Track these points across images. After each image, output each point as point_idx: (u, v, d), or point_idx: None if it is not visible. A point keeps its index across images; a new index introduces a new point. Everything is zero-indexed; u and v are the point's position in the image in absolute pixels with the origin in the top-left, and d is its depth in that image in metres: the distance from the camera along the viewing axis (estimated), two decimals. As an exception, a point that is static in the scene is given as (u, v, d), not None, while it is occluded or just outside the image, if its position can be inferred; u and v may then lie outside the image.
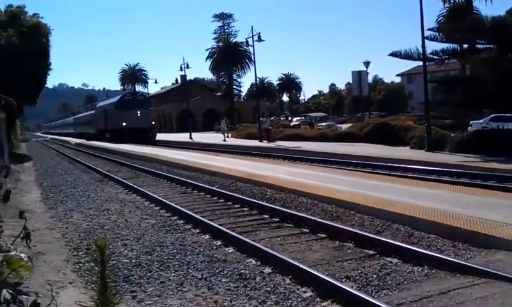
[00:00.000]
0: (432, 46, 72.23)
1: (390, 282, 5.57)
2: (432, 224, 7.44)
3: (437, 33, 22.54)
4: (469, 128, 27.26)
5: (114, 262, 6.40)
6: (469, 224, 7.14)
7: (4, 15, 36.52)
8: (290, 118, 69.01)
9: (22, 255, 2.83)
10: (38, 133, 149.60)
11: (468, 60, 26.43)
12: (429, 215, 7.80)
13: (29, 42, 35.00)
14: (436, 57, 24.06)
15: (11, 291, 2.69)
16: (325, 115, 63.97)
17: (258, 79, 48.12)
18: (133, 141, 38.87)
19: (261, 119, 37.80)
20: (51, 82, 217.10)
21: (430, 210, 8.10)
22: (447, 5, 45.90)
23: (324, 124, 45.60)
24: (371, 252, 6.80)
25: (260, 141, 34.17)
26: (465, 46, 24.75)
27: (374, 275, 5.79)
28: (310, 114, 61.80)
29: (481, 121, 28.79)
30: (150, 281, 5.91)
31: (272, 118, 44.29)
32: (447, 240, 6.96)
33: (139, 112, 43.89)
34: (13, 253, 2.82)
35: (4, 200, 3.87)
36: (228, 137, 41.32)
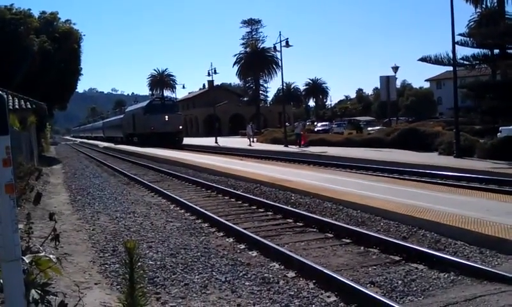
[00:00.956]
0: (462, 51, 71.21)
1: (415, 288, 5.48)
2: (459, 231, 7.31)
3: (468, 38, 22.23)
4: (498, 134, 26.69)
5: (139, 264, 6.46)
6: (497, 230, 6.99)
7: (38, 21, 37.36)
8: (315, 123, 68.48)
9: (51, 256, 2.89)
10: (68, 137, 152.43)
11: (499, 65, 25.93)
12: (456, 222, 7.67)
13: (61, 48, 35.79)
14: (467, 63, 23.68)
15: (39, 292, 2.75)
16: (372, 119, 61.54)
17: (284, 84, 48.01)
18: (160, 145, 39.34)
19: (294, 123, 37.68)
20: (81, 86, 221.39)
21: (457, 217, 7.97)
22: (478, 10, 45.19)
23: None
24: (396, 258, 6.72)
25: (286, 145, 34.11)
26: (496, 51, 24.28)
27: (399, 281, 5.71)
28: (356, 118, 58.87)
29: (511, 127, 28.15)
30: (174, 283, 5.95)
31: (303, 122, 42.77)
32: (474, 246, 6.83)
33: (167, 116, 44.37)
34: (42, 254, 2.88)
35: (35, 202, 3.97)
36: (253, 141, 41.37)
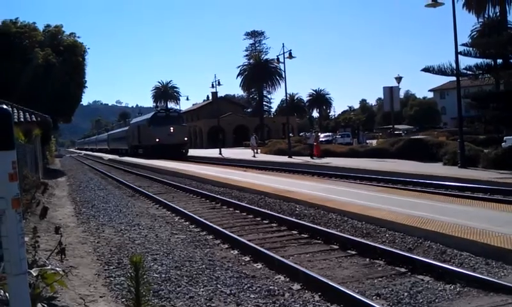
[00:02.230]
0: (465, 61, 71.24)
1: (421, 300, 5.45)
2: (465, 242, 7.27)
3: (471, 48, 22.20)
4: (503, 144, 26.63)
5: (145, 277, 6.46)
6: (503, 241, 6.96)
7: (43, 34, 37.65)
8: (318, 134, 68.37)
9: (57, 269, 2.90)
10: (72, 149, 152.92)
11: (502, 75, 25.92)
12: (461, 233, 7.63)
13: (66, 61, 36.03)
14: (470, 73, 23.65)
15: (45, 305, 2.75)
16: (411, 127, 59.98)
17: (288, 95, 48.15)
18: (166, 157, 39.25)
19: (306, 134, 37.22)
20: (86, 99, 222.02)
21: (463, 228, 7.93)
22: (481, 20, 45.27)
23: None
24: (402, 269, 6.69)
25: (290, 156, 34.09)
26: (499, 61, 24.28)
27: (405, 293, 5.68)
28: (398, 126, 56.37)
29: (515, 137, 28.09)
30: (179, 295, 5.93)
31: (316, 133, 40.90)
32: (480, 257, 6.79)
33: (172, 128, 44.25)
34: (48, 268, 2.89)
35: (41, 217, 3.98)
36: (257, 152, 41.38)
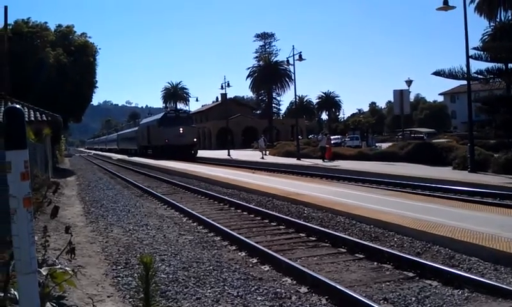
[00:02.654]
0: (476, 65, 70.80)
1: (429, 305, 5.43)
2: (474, 247, 7.23)
3: (482, 52, 22.12)
4: (513, 149, 26.41)
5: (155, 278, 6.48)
6: (512, 247, 6.91)
7: (54, 34, 37.94)
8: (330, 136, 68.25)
9: (67, 268, 2.92)
10: (82, 149, 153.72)
11: (513, 80, 25.76)
12: (470, 238, 7.59)
13: (77, 61, 36.31)
14: (481, 77, 23.56)
15: (54, 305, 2.78)
16: (432, 130, 59.25)
17: (297, 97, 48.07)
18: (175, 158, 39.27)
19: (318, 137, 36.69)
20: (96, 99, 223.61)
21: (472, 232, 7.89)
22: (492, 24, 45.02)
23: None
24: (410, 274, 6.66)
25: (298, 159, 34.05)
26: (511, 65, 24.13)
27: (413, 298, 5.66)
28: (420, 129, 55.80)
29: (526, 141, 27.85)
30: (187, 296, 5.95)
31: (328, 135, 39.61)
32: (489, 263, 6.75)
33: (181, 129, 44.18)
34: (57, 267, 2.91)
35: (52, 216, 4.00)
36: (266, 154, 41.37)
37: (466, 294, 5.66)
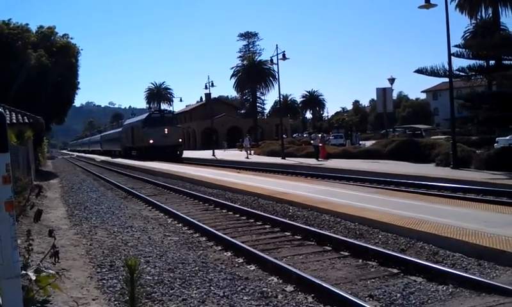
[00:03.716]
0: (458, 62, 71.66)
1: (414, 301, 5.48)
2: (457, 243, 7.31)
3: (463, 50, 22.31)
4: (495, 145, 26.81)
5: (140, 281, 6.45)
6: (495, 242, 7.00)
7: (36, 35, 37.52)
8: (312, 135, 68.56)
9: (51, 271, 2.89)
10: (65, 151, 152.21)
11: (495, 77, 26.08)
12: (454, 234, 7.67)
13: (59, 62, 35.90)
14: (463, 74, 23.77)
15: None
16: (430, 127, 58.94)
17: (281, 96, 48.12)
18: (160, 159, 38.94)
19: (311, 135, 35.84)
20: (79, 100, 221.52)
21: (455, 228, 7.98)
22: (473, 21, 45.58)
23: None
24: (395, 270, 6.72)
25: (283, 158, 34.10)
26: (492, 62, 24.44)
27: (398, 294, 5.70)
28: (418, 126, 54.43)
29: (508, 138, 28.31)
30: (172, 298, 5.92)
31: (322, 133, 38.98)
32: (472, 258, 6.83)
33: (166, 129, 43.84)
34: (42, 270, 2.88)
35: (35, 220, 3.95)
36: (250, 154, 41.37)
37: (450, 290, 5.73)
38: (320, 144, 32.00)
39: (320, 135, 35.59)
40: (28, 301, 2.59)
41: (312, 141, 34.86)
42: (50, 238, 3.99)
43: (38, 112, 26.76)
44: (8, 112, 23.20)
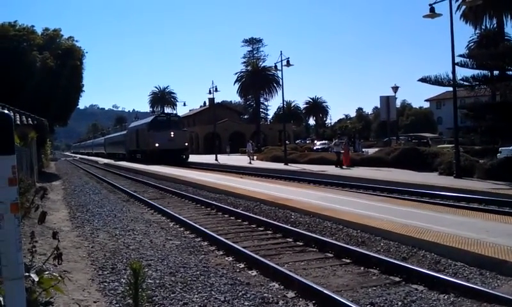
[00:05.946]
0: (462, 72, 71.62)
1: (415, 310, 5.47)
2: (459, 252, 7.30)
3: (468, 59, 22.34)
4: (498, 155, 26.73)
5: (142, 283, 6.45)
6: (497, 252, 6.99)
7: (41, 37, 37.70)
8: (315, 142, 68.64)
9: (54, 274, 2.90)
10: (68, 153, 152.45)
11: (498, 87, 26.07)
12: (456, 243, 7.66)
13: (64, 64, 36.07)
14: (467, 84, 23.77)
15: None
16: (436, 135, 58.68)
17: (285, 102, 48.15)
18: (165, 162, 38.50)
19: (334, 141, 33.94)
20: (82, 103, 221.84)
21: (457, 238, 7.96)
22: (477, 31, 45.62)
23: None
24: (397, 279, 6.71)
25: (286, 163, 34.07)
26: (496, 72, 24.43)
27: (399, 303, 5.69)
28: (425, 134, 53.40)
29: (511, 148, 28.20)
30: (173, 302, 5.92)
31: (345, 139, 36.45)
32: (474, 267, 6.82)
33: (172, 133, 43.18)
34: (45, 272, 2.89)
35: (39, 221, 3.96)
36: (253, 159, 41.35)
37: (451, 299, 5.72)
38: (343, 151, 29.90)
39: (343, 141, 33.37)
40: (31, 303, 2.60)
41: (334, 148, 32.87)
42: (52, 240, 4.01)
43: (43, 114, 26.88)
44: (12, 114, 23.26)
